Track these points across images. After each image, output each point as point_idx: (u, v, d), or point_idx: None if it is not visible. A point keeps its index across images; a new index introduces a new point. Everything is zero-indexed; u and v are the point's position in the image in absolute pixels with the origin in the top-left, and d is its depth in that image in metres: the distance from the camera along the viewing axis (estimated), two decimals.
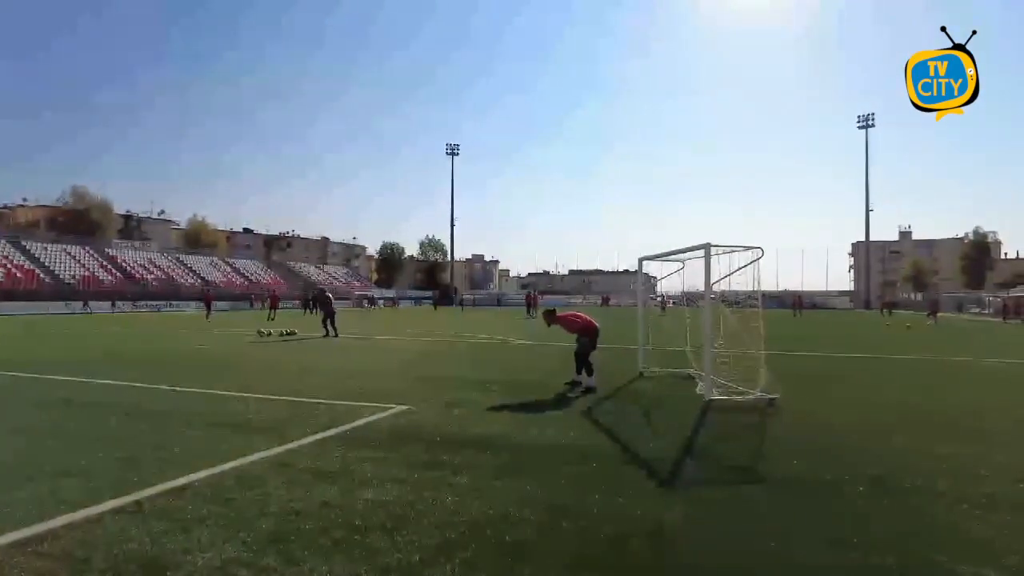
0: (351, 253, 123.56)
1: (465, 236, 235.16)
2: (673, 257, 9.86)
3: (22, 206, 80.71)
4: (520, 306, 56.87)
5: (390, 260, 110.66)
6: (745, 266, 8.22)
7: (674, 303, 25.41)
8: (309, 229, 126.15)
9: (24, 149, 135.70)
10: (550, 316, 9.98)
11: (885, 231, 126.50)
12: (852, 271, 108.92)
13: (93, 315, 42.58)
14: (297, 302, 57.34)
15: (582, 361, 9.26)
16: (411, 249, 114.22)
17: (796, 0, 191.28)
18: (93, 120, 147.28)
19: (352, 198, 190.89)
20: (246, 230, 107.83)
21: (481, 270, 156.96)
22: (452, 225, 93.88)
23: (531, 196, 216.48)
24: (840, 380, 10.68)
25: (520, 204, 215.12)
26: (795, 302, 44.26)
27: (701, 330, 8.78)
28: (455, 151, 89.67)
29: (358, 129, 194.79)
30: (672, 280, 10.99)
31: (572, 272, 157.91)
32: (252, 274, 76.14)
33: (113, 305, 51.23)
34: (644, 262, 10.89)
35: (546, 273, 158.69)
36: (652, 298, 12.28)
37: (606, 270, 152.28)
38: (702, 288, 8.28)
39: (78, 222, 70.34)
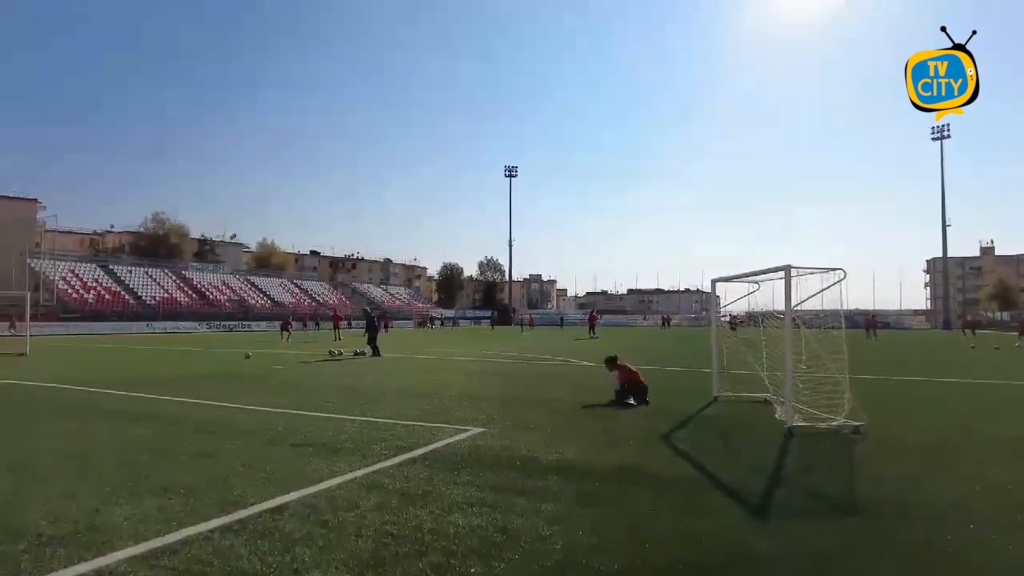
0: (412, 274, 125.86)
1: (523, 256, 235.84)
2: (749, 279, 9.64)
3: (110, 232, 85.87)
4: (581, 326, 56.58)
5: (449, 280, 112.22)
6: (827, 288, 7.97)
7: (740, 323, 24.82)
8: (372, 251, 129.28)
9: (111, 177, 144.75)
10: (611, 363, 10.28)
11: (964, 247, 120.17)
12: (929, 289, 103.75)
13: (176, 334, 44.65)
14: (362, 322, 58.46)
15: (622, 397, 9.67)
16: (470, 269, 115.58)
17: (861, 8, 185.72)
18: (172, 150, 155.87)
19: (413, 220, 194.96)
20: (313, 252, 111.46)
21: (538, 290, 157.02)
22: (510, 245, 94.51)
23: (589, 216, 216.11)
24: (930, 406, 10.16)
25: (577, 224, 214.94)
26: (869, 323, 42.26)
27: (778, 353, 8.54)
28: (513, 173, 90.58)
29: (418, 151, 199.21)
30: (739, 300, 10.80)
31: (631, 291, 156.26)
32: (319, 295, 78.50)
33: (201, 323, 53.60)
34: (718, 283, 10.66)
35: (604, 292, 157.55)
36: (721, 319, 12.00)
37: (666, 289, 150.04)
38: (773, 308, 8.08)
39: (158, 246, 74.29)
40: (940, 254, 76.86)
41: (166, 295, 61.32)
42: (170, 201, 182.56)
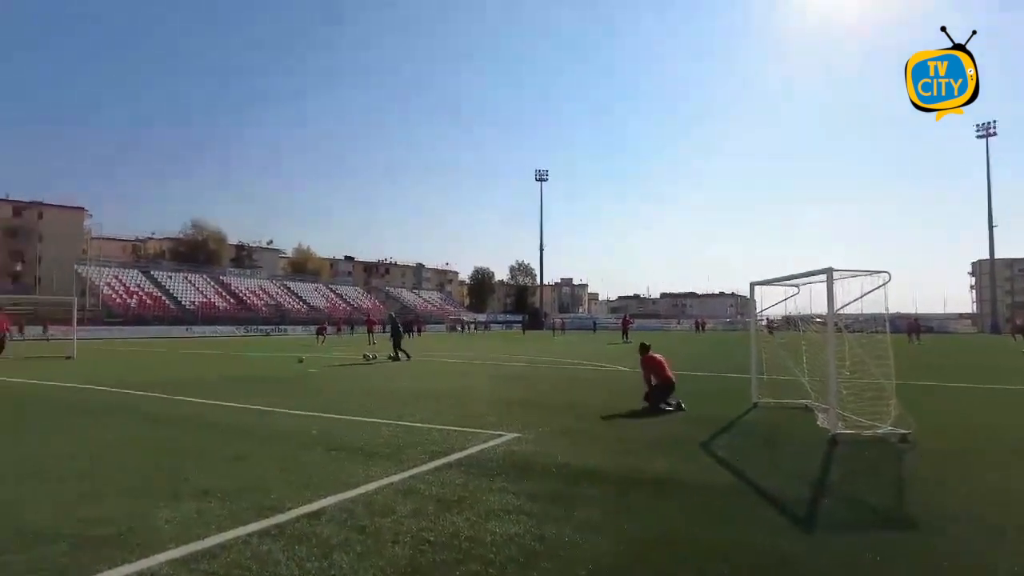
0: (444, 278, 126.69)
1: (554, 260, 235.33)
2: (788, 282, 9.41)
3: (151, 238, 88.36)
4: (614, 330, 56.18)
5: (481, 285, 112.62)
6: (871, 291, 7.72)
7: (778, 327, 24.32)
8: (405, 256, 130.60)
9: (151, 184, 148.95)
10: (644, 350, 10.14)
11: (1012, 248, 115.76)
12: (975, 292, 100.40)
13: (214, 338, 45.62)
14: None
15: (656, 400, 9.54)
16: (501, 274, 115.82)
17: (900, 6, 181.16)
18: (210, 157, 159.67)
19: (445, 224, 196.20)
20: (347, 257, 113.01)
21: (570, 294, 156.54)
22: (541, 250, 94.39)
23: (621, 219, 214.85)
24: (980, 413, 9.78)
25: (609, 228, 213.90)
26: (912, 327, 40.91)
27: (819, 357, 8.30)
28: (544, 177, 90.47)
29: (448, 157, 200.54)
30: (777, 304, 10.57)
31: (664, 295, 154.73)
32: (353, 299, 79.46)
33: (239, 327, 54.71)
34: (756, 287, 10.43)
35: (636, 296, 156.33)
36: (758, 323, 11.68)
37: (700, 293, 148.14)
38: (810, 312, 7.88)
39: (197, 252, 76.15)
40: (986, 255, 74.30)
41: (205, 300, 62.76)
42: (208, 208, 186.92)
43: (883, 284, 7.65)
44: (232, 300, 65.74)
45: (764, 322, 22.28)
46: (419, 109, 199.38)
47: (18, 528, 4.06)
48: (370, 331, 34.91)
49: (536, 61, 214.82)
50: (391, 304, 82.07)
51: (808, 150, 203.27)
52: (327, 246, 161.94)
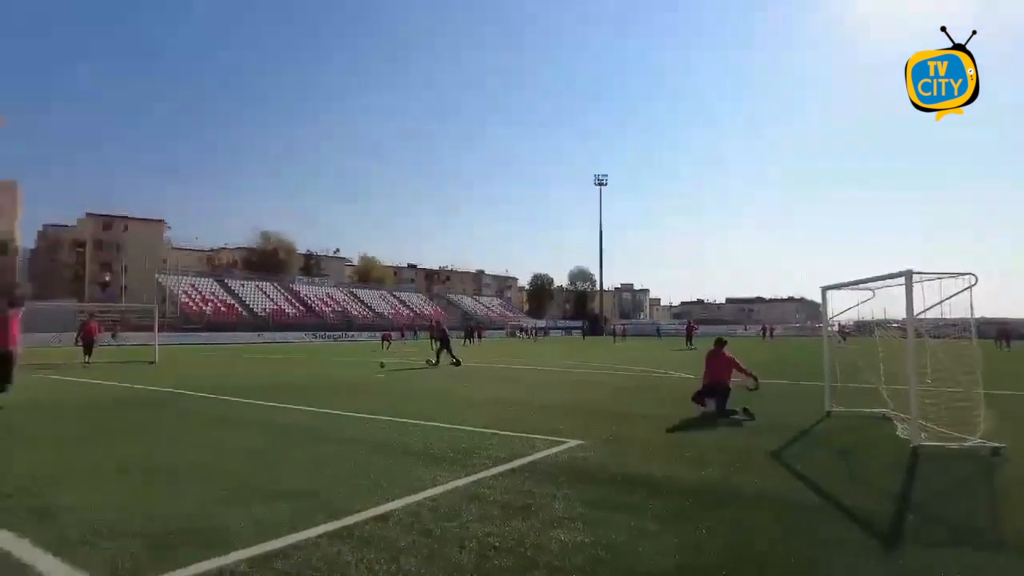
0: (503, 284, 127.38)
1: (614, 266, 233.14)
2: (863, 286, 9.00)
3: (224, 249, 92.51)
4: (678, 336, 55.10)
5: (540, 291, 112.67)
6: (955, 294, 7.28)
7: (850, 333, 23.25)
8: (465, 263, 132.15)
9: (223, 200, 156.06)
10: (719, 345, 9.95)
11: None
12: None
13: (285, 344, 47.26)
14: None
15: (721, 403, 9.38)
16: (560, 279, 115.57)
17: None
18: (278, 167, 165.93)
19: (504, 231, 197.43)
20: (410, 265, 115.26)
21: (630, 299, 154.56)
22: (600, 255, 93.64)
23: (683, 223, 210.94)
24: None
25: (671, 232, 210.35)
26: (1002, 332, 38.30)
27: (899, 364, 7.89)
28: (603, 181, 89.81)
29: (508, 162, 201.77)
30: (847, 308, 10.12)
31: (730, 300, 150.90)
32: (415, 306, 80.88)
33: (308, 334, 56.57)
34: (828, 291, 10.02)
35: (700, 302, 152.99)
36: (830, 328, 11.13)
37: (767, 298, 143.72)
38: (886, 317, 7.50)
39: (268, 261, 79.21)
40: None
41: (275, 307, 65.19)
42: (278, 218, 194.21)
43: (969, 287, 7.21)
44: (301, 307, 68.00)
45: (836, 328, 21.43)
46: (476, 114, 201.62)
47: (101, 523, 4.29)
48: (432, 337, 35.39)
49: (596, 62, 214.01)
50: (452, 311, 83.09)
51: (882, 148, 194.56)
52: (390, 254, 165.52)
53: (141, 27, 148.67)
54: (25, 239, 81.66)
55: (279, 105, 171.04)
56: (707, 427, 8.59)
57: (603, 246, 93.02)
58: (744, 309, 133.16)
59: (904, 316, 7.42)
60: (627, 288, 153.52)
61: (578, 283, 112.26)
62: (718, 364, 9.70)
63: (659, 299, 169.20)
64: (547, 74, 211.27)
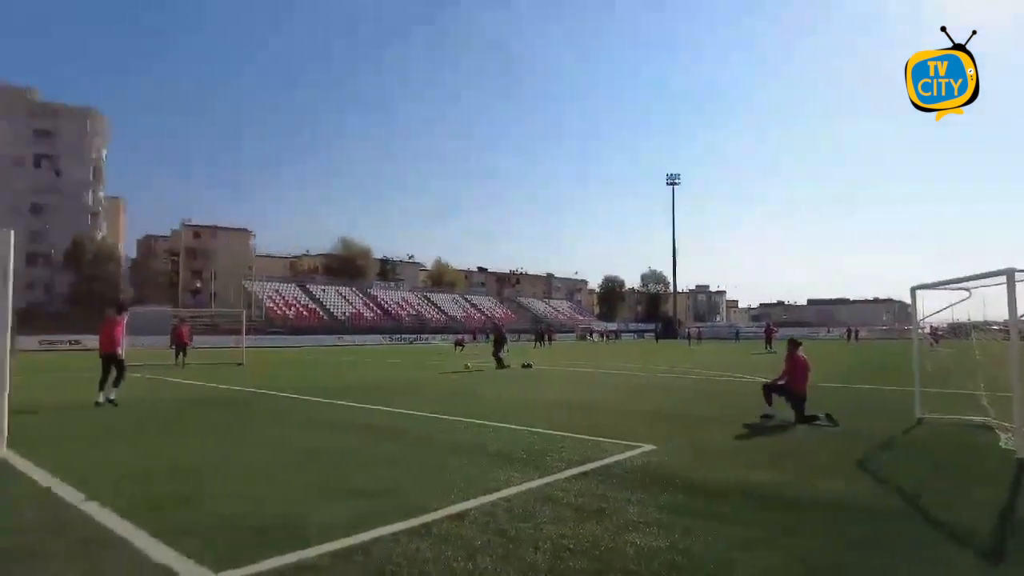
0: (573, 287, 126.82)
1: (688, 267, 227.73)
2: (958, 285, 8.48)
3: (306, 255, 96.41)
4: (757, 339, 53.30)
5: (611, 293, 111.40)
6: None
7: (943, 336, 21.79)
8: (535, 266, 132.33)
9: (306, 204, 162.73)
10: (793, 346, 9.64)
11: None
12: None
13: (363, 346, 48.83)
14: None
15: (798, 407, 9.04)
16: (632, 281, 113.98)
17: None
18: (356, 176, 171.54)
19: (574, 233, 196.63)
20: (480, 269, 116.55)
21: (706, 301, 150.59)
22: (674, 256, 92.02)
23: (760, 222, 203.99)
24: None
25: (747, 232, 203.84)
26: None
27: (997, 370, 7.39)
28: (676, 181, 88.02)
29: (578, 164, 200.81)
30: (939, 309, 9.54)
31: (811, 301, 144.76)
32: (487, 309, 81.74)
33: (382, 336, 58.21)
34: (919, 292, 9.49)
35: (781, 303, 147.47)
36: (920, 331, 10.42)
37: (852, 299, 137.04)
38: (984, 319, 7.02)
39: (346, 267, 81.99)
40: None
41: (354, 311, 67.44)
42: (356, 225, 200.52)
43: None
44: (378, 311, 70.05)
45: (927, 330, 20.20)
46: (548, 116, 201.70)
47: (203, 514, 4.60)
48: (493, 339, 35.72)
49: (671, 62, 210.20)
50: (522, 314, 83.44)
51: (975, 144, 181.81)
52: (462, 259, 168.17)
53: (229, 37, 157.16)
54: (127, 249, 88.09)
55: (357, 114, 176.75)
56: (786, 432, 8.31)
57: (676, 247, 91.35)
58: (827, 311, 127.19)
59: (1007, 317, 6.95)
60: (702, 290, 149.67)
61: (651, 285, 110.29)
62: (793, 367, 9.36)
63: (736, 301, 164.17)
64: (617, 72, 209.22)
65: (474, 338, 52.62)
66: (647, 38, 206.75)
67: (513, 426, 8.64)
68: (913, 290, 9.57)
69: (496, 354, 21.69)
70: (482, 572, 3.53)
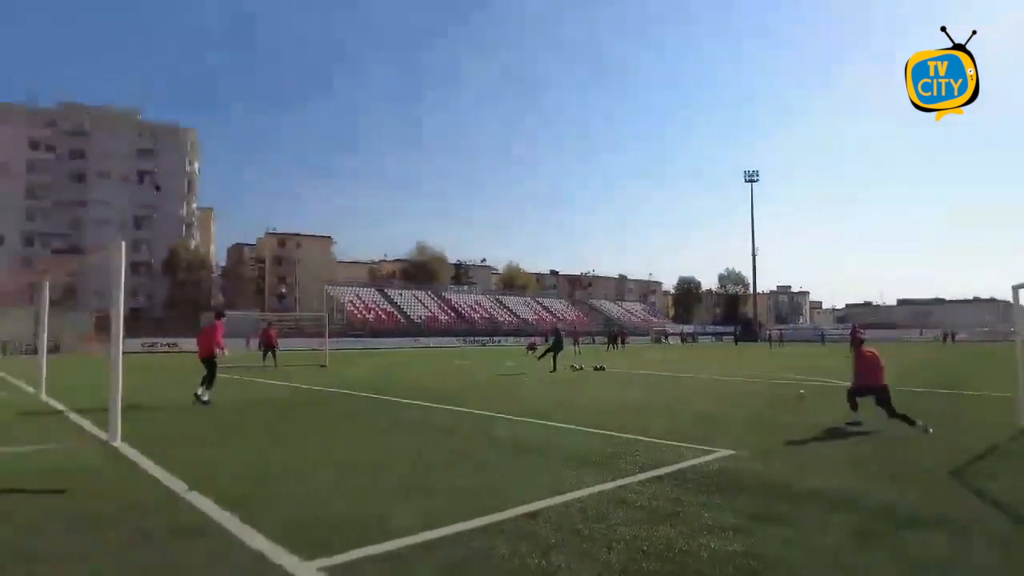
0: (647, 289, 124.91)
1: (769, 267, 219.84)
2: None
3: (383, 261, 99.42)
4: (844, 342, 50.81)
5: (686, 295, 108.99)
6: None
7: None
8: (606, 268, 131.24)
9: (384, 212, 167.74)
10: (857, 343, 9.23)
11: None
12: None
13: (439, 348, 49.87)
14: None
15: (853, 398, 8.83)
16: (709, 283, 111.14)
17: None
18: (431, 182, 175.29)
19: (648, 234, 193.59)
20: (552, 272, 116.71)
21: (787, 302, 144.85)
22: (753, 256, 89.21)
23: (845, 220, 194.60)
24: None
25: (832, 230, 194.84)
26: None
27: None
28: (754, 178, 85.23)
29: (649, 163, 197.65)
30: None
31: (902, 302, 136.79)
32: (558, 312, 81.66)
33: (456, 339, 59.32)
34: (1021, 291, 8.88)
35: (868, 304, 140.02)
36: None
37: (947, 299, 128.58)
38: None
39: (422, 271, 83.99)
40: None
41: (430, 314, 68.98)
42: (431, 230, 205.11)
43: None
44: (452, 314, 71.35)
45: None
46: (621, 115, 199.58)
47: (296, 508, 4.90)
48: (576, 343, 35.59)
49: (746, 56, 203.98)
50: (595, 316, 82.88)
51: None
52: (533, 262, 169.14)
53: (311, 56, 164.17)
54: (218, 256, 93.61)
55: (432, 123, 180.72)
56: (872, 439, 7.96)
57: (756, 246, 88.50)
58: (921, 311, 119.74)
59: None
60: (784, 290, 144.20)
61: (729, 286, 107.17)
62: (862, 364, 8.93)
63: (820, 302, 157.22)
64: (691, 69, 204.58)
65: (545, 340, 52.76)
66: (721, 29, 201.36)
67: (586, 429, 8.68)
68: (1015, 288, 8.97)
69: (553, 356, 21.68)
70: (556, 569, 3.62)
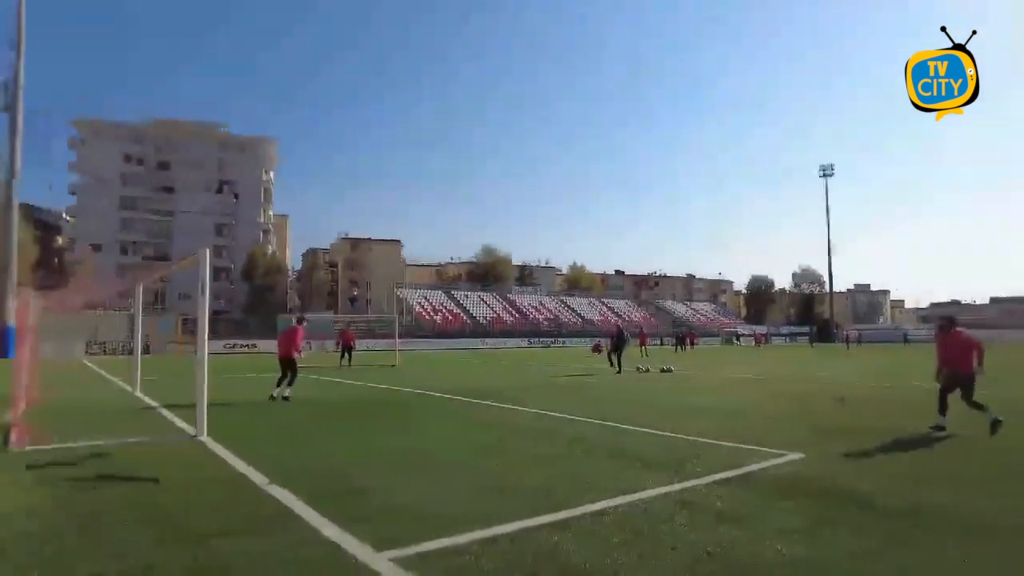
0: (716, 289, 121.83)
1: (846, 265, 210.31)
2: None
3: (450, 263, 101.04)
4: (929, 342, 48.18)
5: (758, 294, 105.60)
6: None
7: None
8: (673, 267, 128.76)
9: (450, 214, 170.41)
10: (947, 326, 8.76)
11: None
12: None
13: (504, 349, 50.30)
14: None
15: (943, 398, 8.37)
16: (782, 281, 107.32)
17: None
18: (495, 186, 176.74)
19: (714, 232, 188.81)
20: (617, 272, 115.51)
21: (866, 302, 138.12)
22: (829, 253, 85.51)
23: (931, 214, 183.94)
24: None
25: (915, 225, 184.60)
26: None
27: None
28: (829, 172, 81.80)
29: (717, 159, 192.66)
30: None
31: (995, 300, 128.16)
32: (624, 312, 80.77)
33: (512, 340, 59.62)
34: None
35: (956, 302, 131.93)
36: None
37: None
38: None
39: (488, 273, 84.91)
40: None
41: (495, 315, 69.61)
42: (495, 232, 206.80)
43: None
44: (517, 315, 71.73)
45: None
46: (690, 110, 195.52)
47: (356, 503, 5.11)
48: (642, 344, 35.10)
49: (819, 46, 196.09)
50: (662, 317, 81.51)
51: None
52: (599, 262, 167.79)
53: (385, 64, 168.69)
54: (293, 261, 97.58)
55: (491, 131, 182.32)
56: (956, 445, 7.57)
57: (831, 243, 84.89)
58: (1017, 311, 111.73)
59: None
60: (862, 289, 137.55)
61: (804, 285, 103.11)
62: (952, 347, 8.46)
63: (901, 301, 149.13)
64: (766, 57, 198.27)
65: (610, 341, 52.34)
66: (811, 29, 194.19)
67: (651, 431, 8.62)
68: None
69: (616, 357, 21.47)
70: (619, 567, 3.66)
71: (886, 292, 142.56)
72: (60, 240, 79.40)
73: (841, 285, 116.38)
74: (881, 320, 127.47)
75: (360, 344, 31.61)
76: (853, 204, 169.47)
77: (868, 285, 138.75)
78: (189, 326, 41.90)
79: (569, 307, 78.68)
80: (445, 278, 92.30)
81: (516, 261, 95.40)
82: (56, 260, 72.16)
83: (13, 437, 7.33)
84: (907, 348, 48.29)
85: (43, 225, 71.27)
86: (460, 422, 10.04)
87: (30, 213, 56.48)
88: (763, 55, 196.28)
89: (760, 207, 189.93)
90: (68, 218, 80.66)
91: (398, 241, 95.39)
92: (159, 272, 50.64)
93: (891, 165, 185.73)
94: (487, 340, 58.85)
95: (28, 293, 12.15)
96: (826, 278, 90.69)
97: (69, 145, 78.35)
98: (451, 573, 3.60)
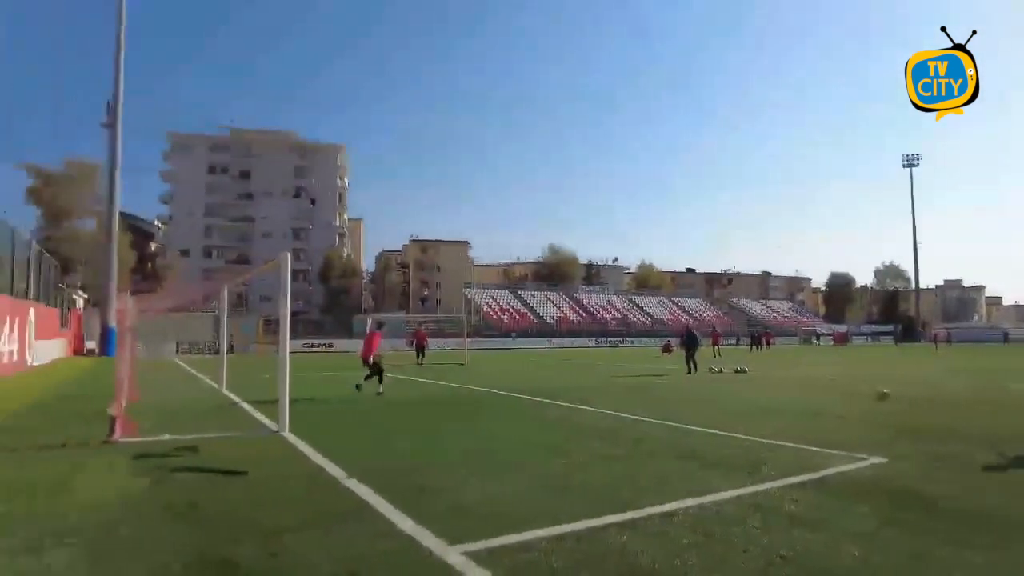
0: (794, 287, 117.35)
1: (934, 259, 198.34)
2: None
3: (516, 263, 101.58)
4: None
5: (839, 292, 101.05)
6: None
7: None
8: (749, 264, 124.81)
9: (517, 214, 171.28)
10: None
11: None
12: None
13: (572, 349, 50.20)
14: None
15: None
16: (864, 278, 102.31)
17: None
18: (562, 186, 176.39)
19: (792, 227, 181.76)
20: (688, 270, 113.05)
21: (957, 298, 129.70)
22: (915, 247, 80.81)
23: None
24: None
25: (1015, 214, 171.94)
26: None
27: None
28: (914, 162, 77.37)
29: (792, 152, 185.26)
30: None
31: None
32: (695, 311, 79.04)
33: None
34: None
35: None
36: None
37: None
38: None
39: (554, 273, 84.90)
40: None
41: (562, 315, 69.50)
42: (563, 231, 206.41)
43: None
44: (584, 314, 71.39)
45: None
46: (764, 104, 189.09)
47: (432, 499, 5.27)
48: (715, 344, 34.23)
49: (905, 28, 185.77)
50: (736, 316, 79.23)
51: None
52: (669, 260, 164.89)
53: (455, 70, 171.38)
54: (367, 263, 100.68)
55: (561, 119, 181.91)
56: None
57: (917, 238, 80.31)
58: None
59: None
60: (953, 284, 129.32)
61: (887, 281, 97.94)
62: None
63: (999, 297, 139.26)
64: (851, 48, 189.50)
65: (680, 341, 51.38)
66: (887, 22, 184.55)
67: (724, 433, 8.45)
68: None
69: (689, 357, 21.02)
70: (689, 568, 3.65)
71: (980, 288, 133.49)
72: (153, 246, 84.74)
73: (929, 281, 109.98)
74: (976, 318, 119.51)
75: (432, 343, 32.32)
76: (943, 195, 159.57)
77: (959, 281, 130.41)
78: (271, 326, 43.87)
79: (638, 306, 77.63)
80: (512, 278, 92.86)
81: (582, 260, 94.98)
82: (150, 265, 77.02)
83: (116, 430, 7.93)
84: (1007, 348, 45.04)
85: (138, 232, 76.27)
86: (528, 421, 10.13)
87: (126, 221, 60.43)
88: (852, 42, 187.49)
89: (840, 200, 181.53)
90: (160, 225, 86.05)
91: (466, 242, 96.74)
92: (244, 276, 53.32)
93: (985, 149, 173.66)
94: (553, 340, 58.91)
95: (126, 297, 13.10)
96: (911, 274, 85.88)
97: (162, 157, 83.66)
98: (520, 568, 3.68)
